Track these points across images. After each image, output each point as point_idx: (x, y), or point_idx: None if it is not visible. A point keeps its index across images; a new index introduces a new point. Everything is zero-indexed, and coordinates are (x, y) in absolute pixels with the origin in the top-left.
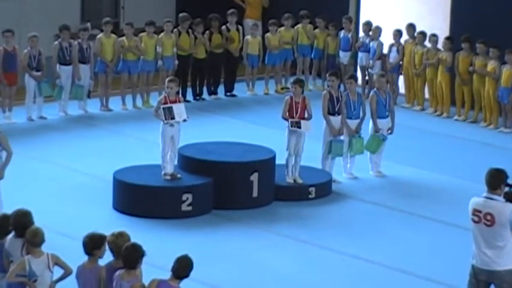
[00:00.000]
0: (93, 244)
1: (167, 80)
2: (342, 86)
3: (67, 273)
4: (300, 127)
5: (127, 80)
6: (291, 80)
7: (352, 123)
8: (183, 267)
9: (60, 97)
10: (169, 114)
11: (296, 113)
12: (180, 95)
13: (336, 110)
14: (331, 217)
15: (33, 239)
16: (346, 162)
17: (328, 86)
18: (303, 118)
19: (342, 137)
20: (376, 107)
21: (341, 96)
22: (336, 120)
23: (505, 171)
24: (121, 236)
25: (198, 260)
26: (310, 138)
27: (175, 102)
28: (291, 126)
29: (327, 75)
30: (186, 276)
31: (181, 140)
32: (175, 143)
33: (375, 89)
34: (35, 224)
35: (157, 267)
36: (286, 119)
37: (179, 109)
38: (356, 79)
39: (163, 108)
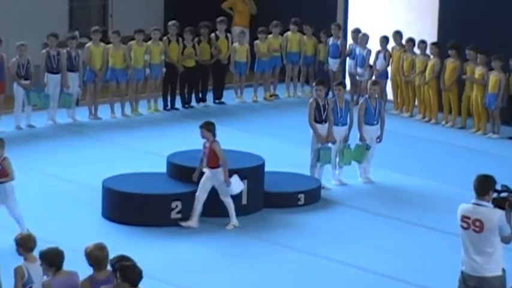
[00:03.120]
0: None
1: None
2: (330, 92)
3: None
4: None
5: (115, 88)
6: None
7: (339, 130)
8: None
9: (46, 106)
10: None
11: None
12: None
13: (323, 118)
14: (321, 224)
15: (27, 244)
16: (334, 169)
17: (315, 94)
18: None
19: (329, 144)
20: (365, 114)
21: (327, 104)
22: (322, 128)
23: (493, 177)
24: (103, 249)
25: (187, 268)
26: (298, 144)
27: None
28: None
29: (314, 83)
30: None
31: (171, 148)
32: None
33: (366, 96)
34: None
35: (146, 276)
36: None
37: None
38: (345, 86)
39: None
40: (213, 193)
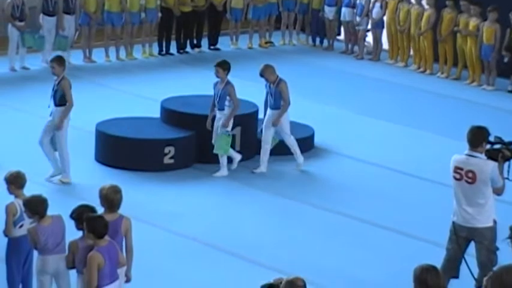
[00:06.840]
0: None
1: None
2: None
3: None
4: None
5: (111, 32)
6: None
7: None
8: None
9: (41, 48)
10: None
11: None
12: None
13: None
14: (313, 172)
15: (17, 181)
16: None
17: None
18: None
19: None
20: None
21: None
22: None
23: (486, 129)
24: (117, 192)
25: (179, 213)
26: (292, 92)
27: None
28: None
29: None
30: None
31: (165, 93)
32: None
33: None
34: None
35: (138, 220)
36: None
37: None
38: None
39: None
40: (205, 139)
